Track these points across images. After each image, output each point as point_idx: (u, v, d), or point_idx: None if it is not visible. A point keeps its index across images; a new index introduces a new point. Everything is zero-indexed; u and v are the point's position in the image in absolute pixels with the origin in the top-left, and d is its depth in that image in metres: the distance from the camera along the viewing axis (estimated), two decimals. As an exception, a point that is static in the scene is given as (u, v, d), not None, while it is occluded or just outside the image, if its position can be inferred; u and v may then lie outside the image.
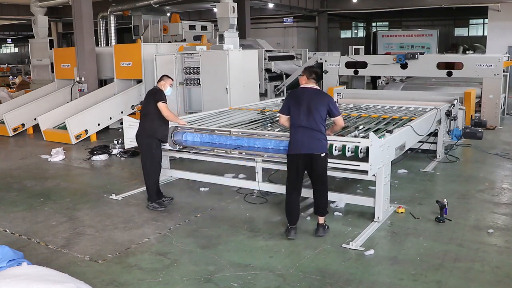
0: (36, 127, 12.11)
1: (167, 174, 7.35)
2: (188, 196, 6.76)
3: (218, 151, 6.24)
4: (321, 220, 5.20)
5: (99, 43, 18.72)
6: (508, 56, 13.05)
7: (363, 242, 4.98)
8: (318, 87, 5.26)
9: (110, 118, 11.96)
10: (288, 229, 5.17)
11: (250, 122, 7.17)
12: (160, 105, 6.13)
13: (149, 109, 6.20)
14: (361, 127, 6.55)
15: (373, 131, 5.88)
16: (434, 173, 7.70)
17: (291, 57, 17.06)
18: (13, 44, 52.37)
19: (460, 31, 35.07)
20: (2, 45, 54.34)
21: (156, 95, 6.21)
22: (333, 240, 5.06)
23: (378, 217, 5.51)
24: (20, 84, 20.85)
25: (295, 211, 5.21)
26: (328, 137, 5.19)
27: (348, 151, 5.24)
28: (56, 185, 7.53)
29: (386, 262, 4.56)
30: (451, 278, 4.24)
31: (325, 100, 5.08)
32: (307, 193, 6.11)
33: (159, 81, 6.46)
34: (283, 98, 12.75)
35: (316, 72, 5.31)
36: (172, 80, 6.53)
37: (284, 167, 6.65)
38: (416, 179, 7.35)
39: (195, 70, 11.07)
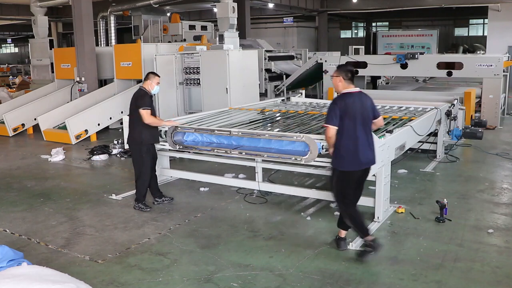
0: (36, 127, 12.11)
1: (167, 174, 7.34)
2: (188, 196, 6.76)
3: (218, 151, 6.23)
4: (344, 233, 4.90)
5: (99, 43, 18.74)
6: (508, 56, 13.05)
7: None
8: (360, 89, 4.69)
9: (110, 118, 11.96)
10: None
11: (250, 122, 7.16)
12: (142, 112, 5.87)
13: (134, 114, 6.01)
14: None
15: (373, 131, 5.86)
16: (434, 173, 7.70)
17: (291, 57, 17.09)
18: (13, 44, 52.36)
19: (460, 31, 35.05)
20: (2, 45, 54.30)
21: (138, 100, 5.95)
22: (333, 240, 5.04)
23: (378, 217, 5.51)
24: (20, 84, 20.86)
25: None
26: None
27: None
28: (56, 185, 7.53)
29: (386, 262, 4.56)
30: (451, 278, 4.24)
31: (370, 104, 4.69)
32: (308, 193, 6.11)
33: (145, 79, 6.11)
34: (283, 98, 12.77)
35: (352, 71, 4.65)
36: (159, 77, 6.17)
37: (284, 167, 6.68)
38: (416, 179, 7.35)
39: (195, 70, 11.08)
